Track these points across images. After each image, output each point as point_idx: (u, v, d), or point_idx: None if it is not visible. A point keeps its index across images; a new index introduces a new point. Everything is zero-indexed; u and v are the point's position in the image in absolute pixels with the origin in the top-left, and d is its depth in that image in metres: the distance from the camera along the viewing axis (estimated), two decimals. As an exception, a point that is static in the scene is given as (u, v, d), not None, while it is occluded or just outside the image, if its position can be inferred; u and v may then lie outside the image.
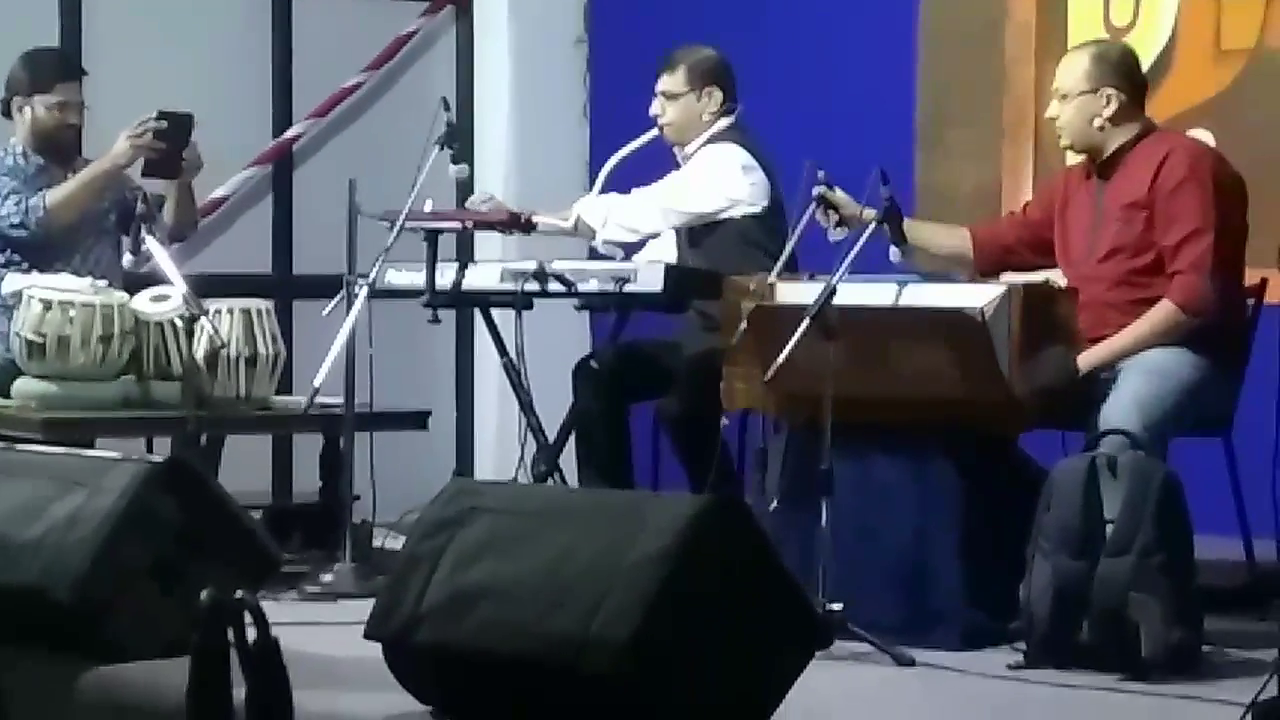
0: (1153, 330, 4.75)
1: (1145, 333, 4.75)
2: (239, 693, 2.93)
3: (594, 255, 5.94)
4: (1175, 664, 4.16)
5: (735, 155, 5.57)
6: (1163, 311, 4.75)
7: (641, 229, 5.65)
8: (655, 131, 5.72)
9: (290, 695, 2.90)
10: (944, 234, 5.29)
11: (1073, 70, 4.92)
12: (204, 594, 2.90)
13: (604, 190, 5.71)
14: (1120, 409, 4.54)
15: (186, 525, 4.05)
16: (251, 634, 2.90)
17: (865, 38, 6.74)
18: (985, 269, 5.25)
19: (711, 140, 5.65)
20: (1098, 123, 4.87)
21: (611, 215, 5.63)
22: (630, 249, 5.73)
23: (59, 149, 5.86)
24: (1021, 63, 6.48)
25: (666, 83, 5.71)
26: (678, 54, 5.74)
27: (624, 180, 5.72)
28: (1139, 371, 4.67)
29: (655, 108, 5.72)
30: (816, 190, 4.85)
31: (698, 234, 5.63)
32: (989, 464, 4.66)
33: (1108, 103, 4.86)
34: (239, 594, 2.87)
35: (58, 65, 5.96)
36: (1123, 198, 4.85)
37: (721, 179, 5.56)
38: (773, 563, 3.48)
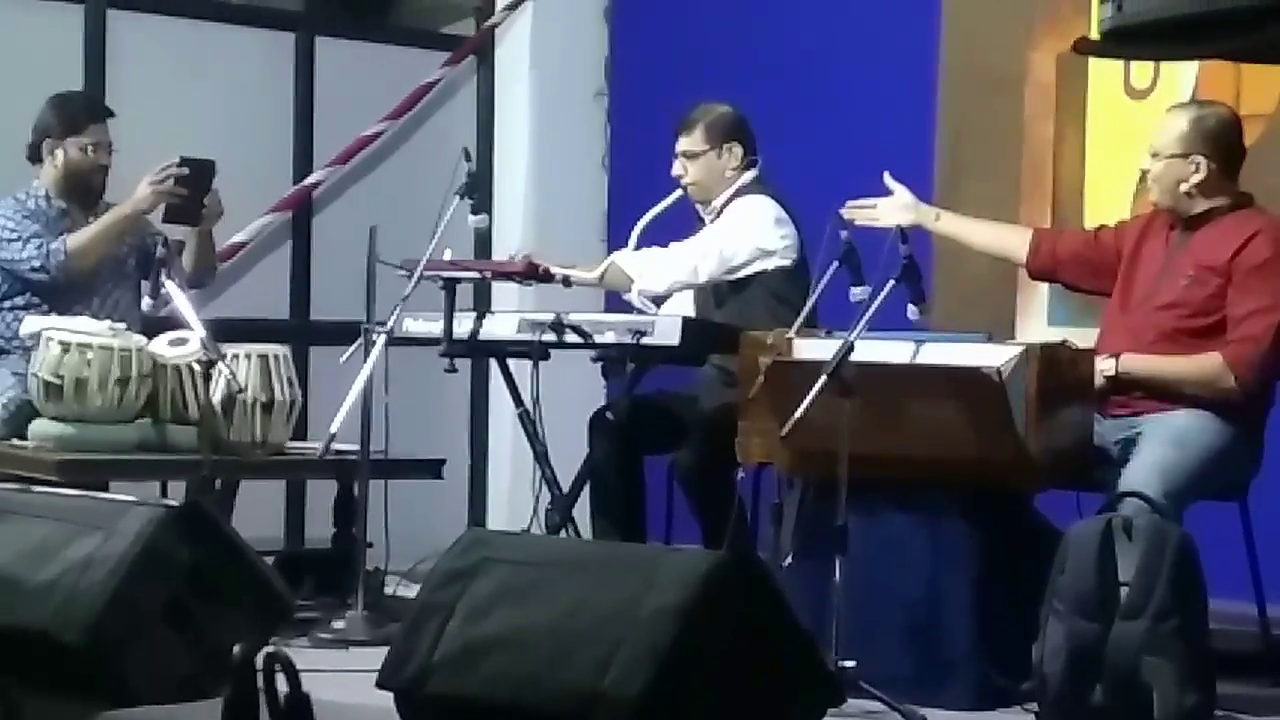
0: (1196, 374, 4.75)
1: (1189, 372, 4.76)
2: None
3: (619, 306, 5.94)
4: (1188, 728, 4.15)
5: (768, 207, 5.59)
6: (1211, 362, 4.75)
7: (679, 279, 5.63)
8: (679, 192, 5.73)
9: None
10: (995, 230, 5.37)
11: (1169, 131, 4.90)
12: (237, 647, 2.90)
13: (636, 248, 5.73)
14: (1142, 475, 4.53)
15: (201, 570, 4.03)
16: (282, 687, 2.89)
17: (885, 93, 6.76)
18: (1035, 273, 5.31)
19: (739, 194, 5.67)
20: (1184, 188, 4.86)
21: (648, 267, 5.63)
22: (661, 304, 5.73)
23: (88, 190, 5.89)
24: (1040, 121, 6.50)
25: (685, 143, 5.72)
26: (694, 114, 5.75)
27: (649, 240, 5.73)
28: (1163, 437, 4.66)
29: (677, 169, 5.72)
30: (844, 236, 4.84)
31: (724, 293, 5.63)
32: (1003, 523, 4.65)
33: (1196, 169, 4.84)
34: (272, 647, 2.87)
35: (87, 107, 6.01)
36: (1201, 258, 4.84)
37: (755, 231, 5.57)
38: (786, 619, 3.47)
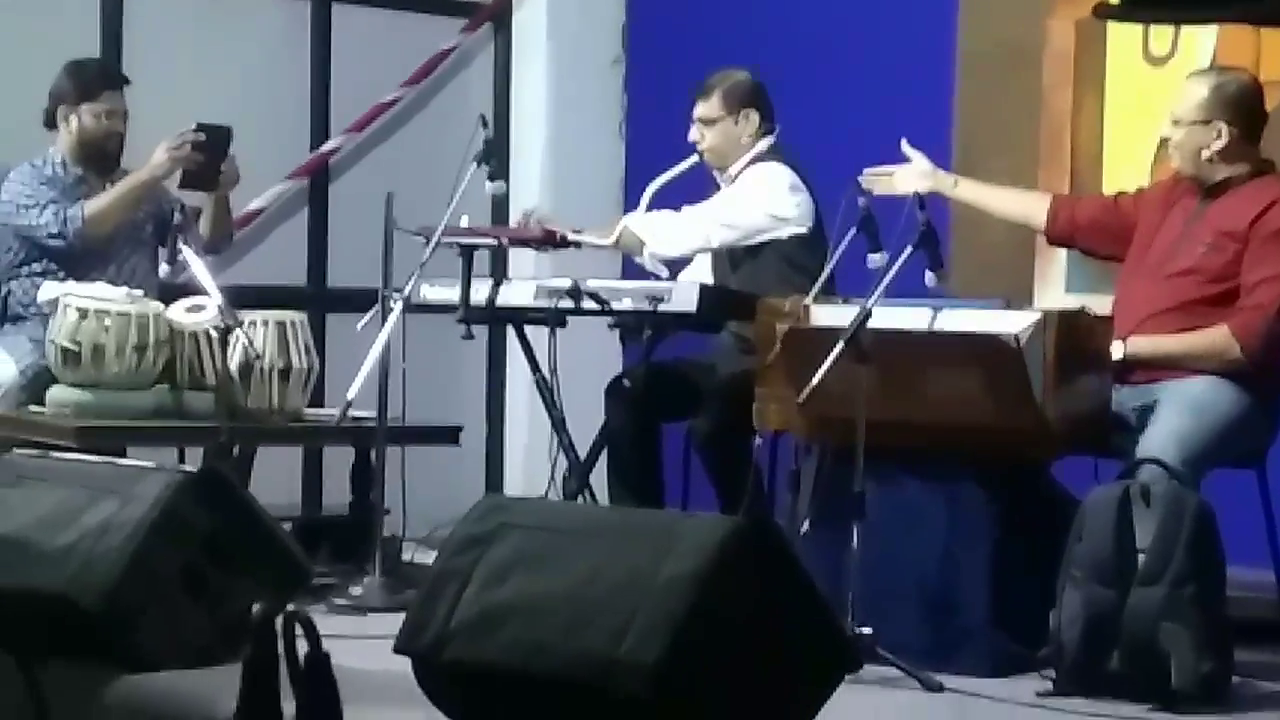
0: (1204, 348, 4.74)
1: (1195, 347, 4.75)
2: (288, 706, 2.93)
3: (635, 272, 5.94)
4: (1205, 695, 4.15)
5: (783, 174, 5.58)
6: (1218, 334, 4.74)
7: (691, 244, 5.64)
8: (695, 158, 5.72)
9: (340, 709, 2.90)
10: (1014, 197, 5.37)
11: (1189, 97, 4.88)
12: (256, 606, 2.91)
13: (647, 211, 5.72)
14: (1159, 442, 4.52)
15: (218, 536, 4.05)
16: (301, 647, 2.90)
17: (903, 62, 6.74)
18: (1054, 239, 5.31)
19: (755, 161, 5.66)
20: (1206, 154, 4.84)
21: (661, 230, 5.63)
22: (673, 268, 5.73)
23: (103, 157, 5.89)
24: (1059, 90, 6.48)
25: (702, 109, 5.72)
26: (712, 80, 5.75)
27: (664, 204, 5.72)
28: (1179, 405, 4.65)
29: (694, 134, 5.72)
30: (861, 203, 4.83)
31: (739, 258, 5.63)
32: (1020, 490, 4.65)
33: (1218, 136, 4.83)
34: (291, 607, 2.88)
35: (103, 74, 6.01)
36: (1220, 225, 4.82)
37: (770, 198, 5.56)
38: (803, 585, 3.47)
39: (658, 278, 5.64)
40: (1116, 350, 4.79)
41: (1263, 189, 4.84)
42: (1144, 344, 4.79)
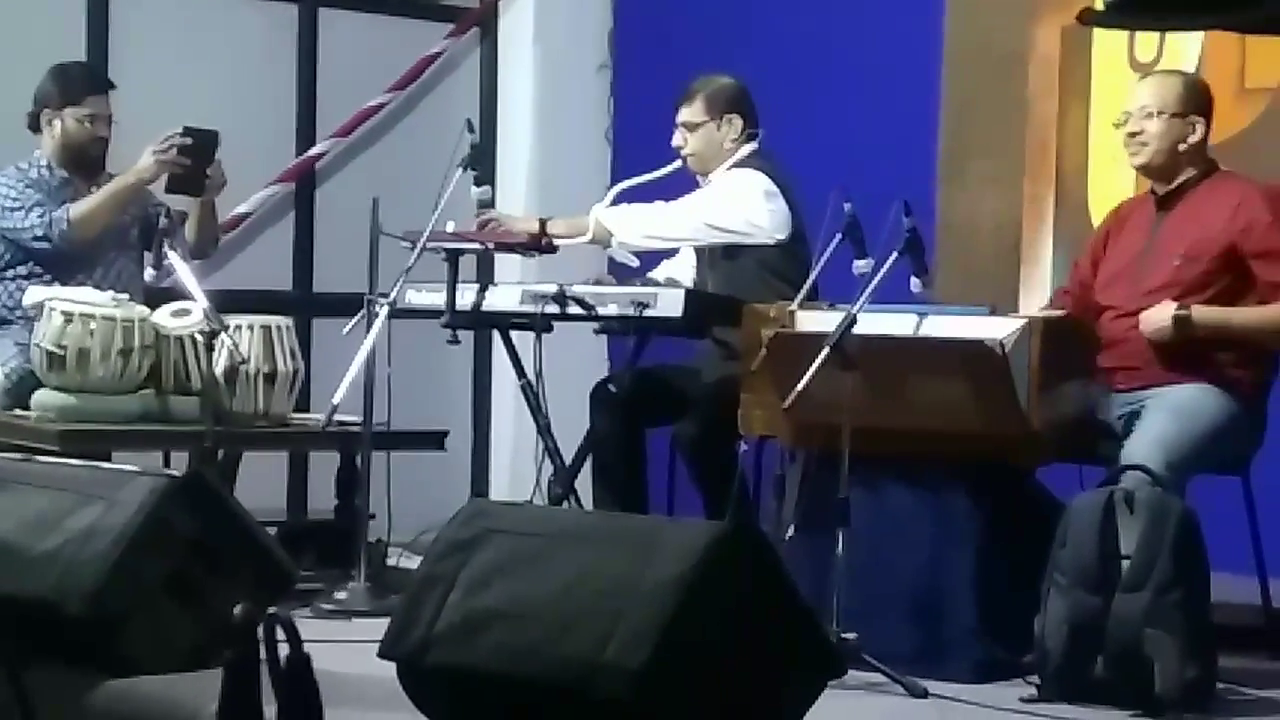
0: (1274, 322, 4.70)
1: (1265, 321, 4.69)
2: (270, 709, 2.93)
3: (610, 263, 5.95)
4: (1189, 701, 4.15)
5: (759, 181, 5.58)
6: None
7: (660, 235, 5.63)
8: (678, 163, 5.73)
9: (321, 711, 2.90)
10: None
11: (1167, 90, 4.89)
12: (238, 608, 2.90)
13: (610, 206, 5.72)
14: (1144, 447, 4.52)
15: (203, 540, 4.04)
16: (283, 650, 2.90)
17: (889, 68, 6.75)
18: (1079, 309, 5.07)
19: (736, 166, 5.66)
20: (1182, 148, 4.85)
21: (631, 221, 5.62)
22: (645, 260, 5.73)
23: (87, 162, 5.89)
24: (1044, 96, 6.49)
25: (685, 114, 5.72)
26: (695, 85, 5.75)
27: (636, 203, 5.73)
28: (1165, 410, 4.65)
29: (677, 139, 5.72)
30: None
31: (716, 259, 5.64)
32: (1005, 496, 4.66)
33: (1193, 130, 4.85)
34: (272, 609, 2.87)
35: (87, 78, 6.01)
36: (1186, 236, 4.81)
37: (744, 202, 5.56)
38: (788, 591, 3.47)
39: (628, 267, 5.63)
40: (1163, 312, 4.71)
41: (1217, 189, 4.84)
42: (1213, 316, 4.69)
